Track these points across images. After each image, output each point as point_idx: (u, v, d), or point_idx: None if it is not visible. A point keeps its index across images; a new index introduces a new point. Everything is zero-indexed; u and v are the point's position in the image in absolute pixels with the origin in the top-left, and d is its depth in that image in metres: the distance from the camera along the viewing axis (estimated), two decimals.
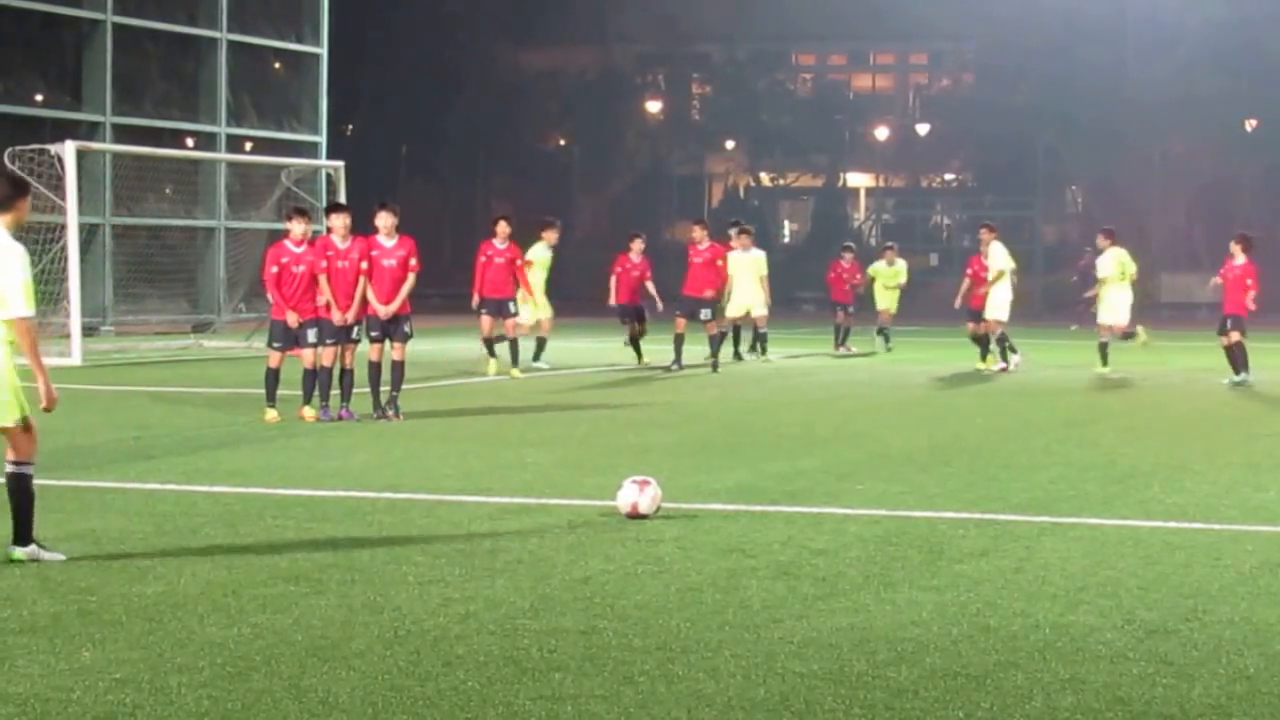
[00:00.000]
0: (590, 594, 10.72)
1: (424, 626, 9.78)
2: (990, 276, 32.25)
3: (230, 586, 10.82)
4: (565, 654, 9.17)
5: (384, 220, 22.01)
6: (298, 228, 21.92)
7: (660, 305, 32.66)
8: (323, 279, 21.58)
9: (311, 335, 21.73)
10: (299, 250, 21.76)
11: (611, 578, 11.25)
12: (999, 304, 32.20)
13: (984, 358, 32.48)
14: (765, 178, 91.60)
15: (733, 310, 34.18)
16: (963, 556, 12.19)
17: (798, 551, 12.27)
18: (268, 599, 10.46)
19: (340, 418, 21.60)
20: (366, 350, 22.12)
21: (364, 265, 21.67)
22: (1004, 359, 32.24)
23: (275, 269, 21.66)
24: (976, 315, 32.62)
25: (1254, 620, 10.21)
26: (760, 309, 34.42)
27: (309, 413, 21.53)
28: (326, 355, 21.75)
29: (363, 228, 22.13)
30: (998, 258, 32.31)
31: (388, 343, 21.99)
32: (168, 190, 45.67)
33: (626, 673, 8.80)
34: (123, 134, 43.96)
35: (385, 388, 22.02)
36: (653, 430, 21.02)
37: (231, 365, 32.48)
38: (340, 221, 21.89)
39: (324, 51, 49.46)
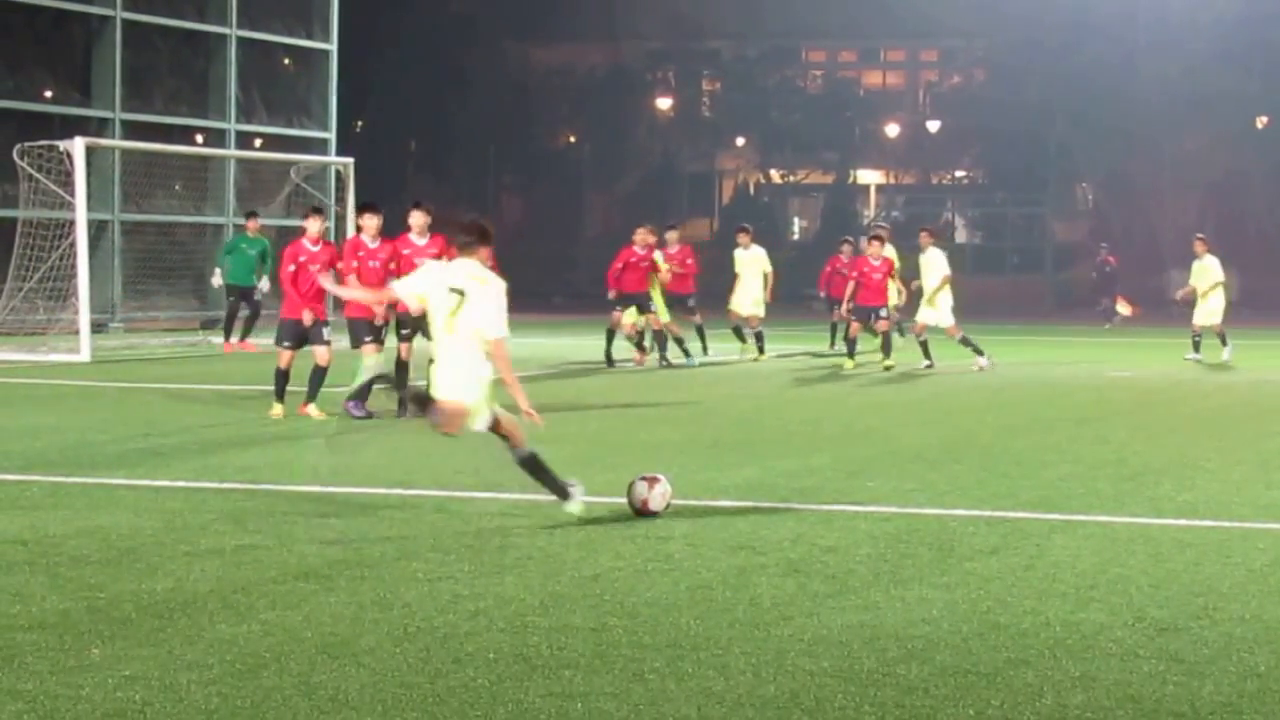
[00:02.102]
0: (600, 591, 10.73)
1: (434, 623, 9.79)
2: (936, 283, 32.12)
3: (240, 584, 10.83)
4: (575, 651, 9.17)
5: (417, 219, 22.35)
6: (314, 226, 21.98)
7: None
8: (352, 279, 21.55)
9: (325, 333, 21.79)
10: (315, 249, 21.83)
11: (621, 575, 11.26)
12: (943, 309, 32.29)
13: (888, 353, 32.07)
14: (776, 174, 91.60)
15: (747, 308, 34.90)
16: (973, 554, 12.19)
17: (808, 549, 12.27)
18: (277, 596, 10.47)
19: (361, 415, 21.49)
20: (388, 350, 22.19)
21: (392, 265, 21.70)
22: (888, 355, 31.87)
23: (292, 267, 21.73)
24: (864, 313, 31.96)
25: (1265, 618, 10.20)
26: (758, 308, 35.25)
27: (314, 411, 21.48)
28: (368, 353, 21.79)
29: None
30: (941, 264, 32.28)
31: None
32: (177, 187, 45.72)
33: (636, 670, 8.80)
34: (132, 130, 43.99)
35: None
36: (662, 427, 21.02)
37: (240, 361, 32.48)
38: (373, 222, 21.99)
39: (334, 48, 49.49)
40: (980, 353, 31.80)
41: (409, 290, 13.81)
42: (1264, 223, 75.13)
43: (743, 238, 36.39)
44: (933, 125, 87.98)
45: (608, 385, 27.89)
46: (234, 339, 35.97)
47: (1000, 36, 80.00)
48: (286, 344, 21.91)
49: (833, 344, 37.88)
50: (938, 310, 32.34)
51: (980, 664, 9.02)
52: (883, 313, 31.85)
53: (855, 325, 32.08)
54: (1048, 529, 13.36)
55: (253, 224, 36.78)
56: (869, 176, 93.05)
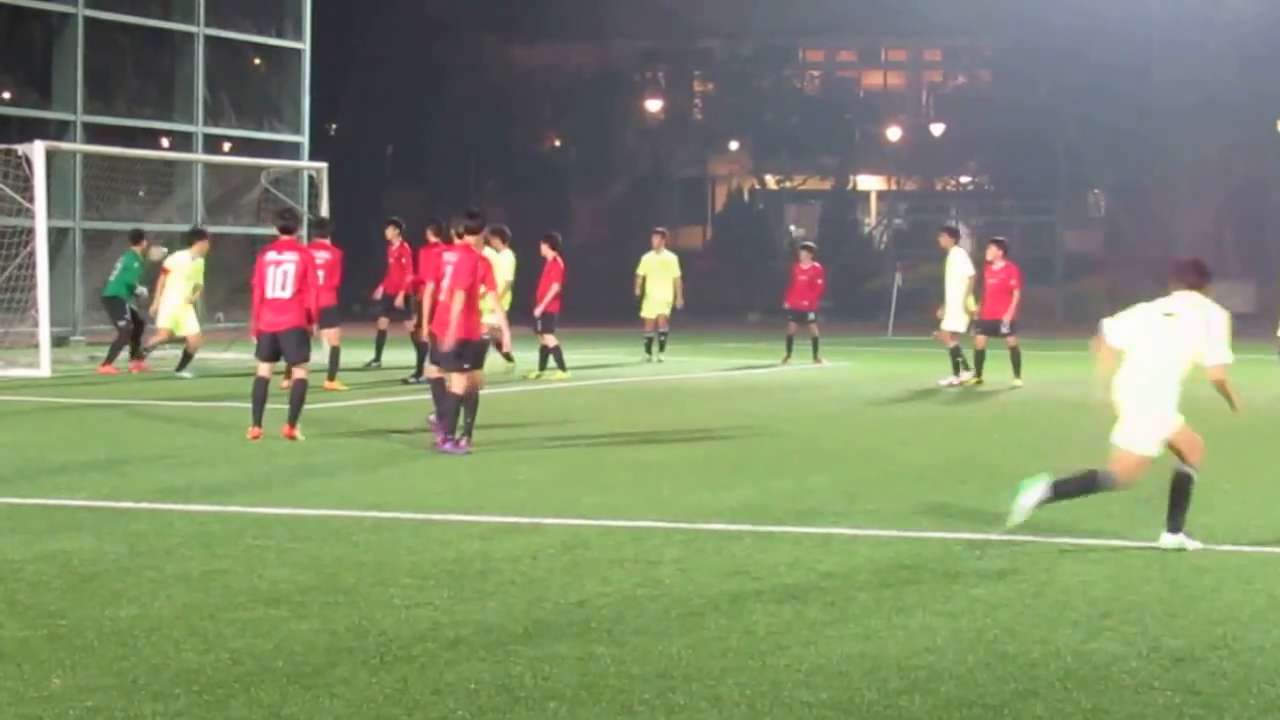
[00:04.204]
0: (586, 618, 10.73)
1: (411, 652, 9.78)
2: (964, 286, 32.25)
3: (207, 610, 10.82)
4: (560, 681, 9.17)
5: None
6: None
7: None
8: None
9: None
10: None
11: (609, 601, 11.26)
12: (958, 316, 32.23)
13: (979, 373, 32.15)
14: (771, 180, 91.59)
15: (648, 311, 38.16)
16: (979, 580, 12.20)
17: (805, 574, 12.28)
18: (247, 623, 10.46)
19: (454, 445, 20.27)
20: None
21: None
22: (956, 373, 31.97)
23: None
24: (990, 326, 32.09)
25: None
26: (667, 310, 38.06)
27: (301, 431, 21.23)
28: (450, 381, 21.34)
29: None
30: (965, 265, 32.24)
31: None
32: (141, 192, 45.67)
33: (625, 702, 8.80)
34: (94, 133, 43.97)
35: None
36: (652, 446, 21.03)
37: (208, 377, 32.44)
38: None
39: (306, 47, 49.46)
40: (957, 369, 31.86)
41: (1120, 331, 13.94)
42: None
43: (658, 239, 38.64)
44: (936, 129, 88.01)
45: (596, 402, 27.89)
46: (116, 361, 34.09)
47: (1007, 35, 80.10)
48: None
49: (787, 357, 38.05)
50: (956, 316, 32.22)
51: (987, 696, 9.02)
52: (1003, 327, 31.73)
53: (981, 339, 31.97)
54: (1058, 554, 13.37)
55: (142, 247, 34.93)
56: (869, 182, 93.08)
